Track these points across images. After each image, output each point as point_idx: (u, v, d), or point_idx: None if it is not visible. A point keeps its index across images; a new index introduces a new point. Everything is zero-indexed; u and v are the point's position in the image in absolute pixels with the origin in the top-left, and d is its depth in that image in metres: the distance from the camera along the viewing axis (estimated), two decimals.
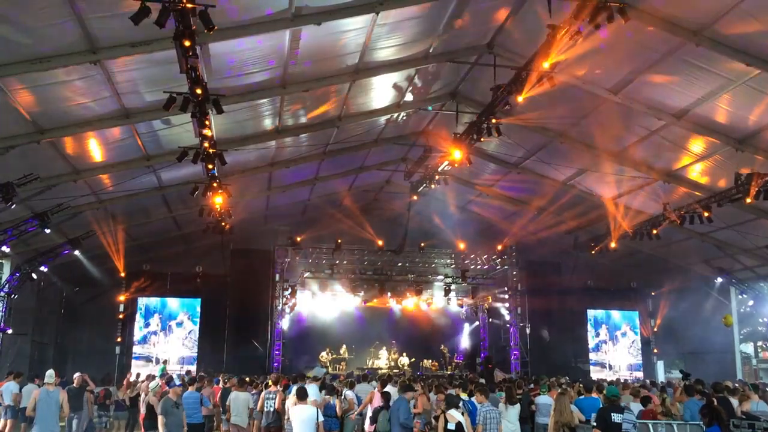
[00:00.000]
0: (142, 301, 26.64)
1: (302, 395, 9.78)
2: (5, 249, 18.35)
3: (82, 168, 16.72)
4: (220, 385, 16.02)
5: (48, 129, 13.97)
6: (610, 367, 29.69)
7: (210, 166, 15.62)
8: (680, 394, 12.45)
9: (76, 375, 13.80)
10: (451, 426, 9.05)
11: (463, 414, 9.44)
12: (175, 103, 12.25)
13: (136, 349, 26.08)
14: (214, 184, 17.01)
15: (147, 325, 26.63)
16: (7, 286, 20.80)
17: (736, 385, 16.82)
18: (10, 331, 21.18)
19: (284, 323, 27.22)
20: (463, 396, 11.64)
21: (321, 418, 9.62)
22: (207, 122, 13.20)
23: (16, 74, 11.79)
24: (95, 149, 16.20)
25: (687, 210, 18.96)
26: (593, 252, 24.50)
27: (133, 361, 25.55)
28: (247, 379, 15.62)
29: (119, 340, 25.54)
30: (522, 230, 26.65)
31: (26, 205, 17.05)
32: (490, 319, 31.95)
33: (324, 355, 28.58)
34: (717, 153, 17.32)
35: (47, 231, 17.95)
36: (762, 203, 17.13)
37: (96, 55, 11.64)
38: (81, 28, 10.93)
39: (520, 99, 13.91)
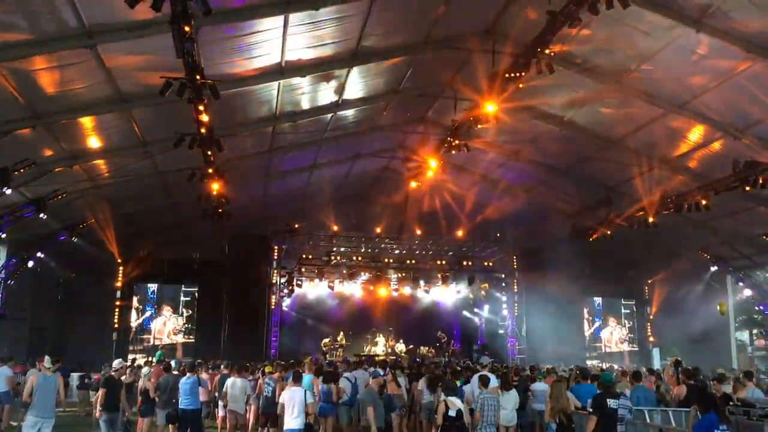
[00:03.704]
0: (140, 288, 26.65)
1: (297, 378, 10.23)
2: (1, 235, 18.30)
3: (78, 154, 16.62)
4: (218, 372, 16.07)
5: (44, 114, 13.86)
6: (607, 354, 29.83)
7: (207, 152, 15.55)
8: (670, 377, 12.61)
9: (118, 363, 12.06)
10: (452, 413, 9.02)
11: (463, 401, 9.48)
12: (171, 89, 12.16)
13: (134, 336, 26.14)
14: (211, 170, 16.96)
15: (145, 311, 26.67)
16: (3, 271, 20.75)
17: (721, 371, 16.83)
18: (7, 317, 21.15)
19: (281, 310, 27.25)
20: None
21: (310, 399, 9.76)
22: (204, 108, 13.11)
23: (11, 59, 11.68)
24: (91, 135, 16.09)
25: (684, 198, 18.96)
26: (590, 239, 24.54)
27: (131, 347, 25.62)
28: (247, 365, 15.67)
29: (116, 326, 25.56)
30: (520, 217, 26.61)
31: (23, 190, 16.96)
32: (487, 306, 32.02)
33: (327, 342, 28.67)
34: (715, 141, 17.31)
35: (44, 216, 17.88)
36: (759, 191, 17.12)
37: (92, 39, 11.54)
38: (77, 12, 10.82)
39: (520, 86, 13.89)
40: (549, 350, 25.86)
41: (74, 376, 19.42)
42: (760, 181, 15.92)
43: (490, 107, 15.30)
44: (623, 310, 30.98)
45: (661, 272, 28.51)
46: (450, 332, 31.91)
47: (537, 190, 24.63)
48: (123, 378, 12.57)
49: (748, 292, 26.62)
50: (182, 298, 27.17)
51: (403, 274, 30.39)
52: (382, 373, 12.00)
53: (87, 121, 15.27)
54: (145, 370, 13.72)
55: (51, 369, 10.38)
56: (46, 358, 10.62)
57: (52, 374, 10.31)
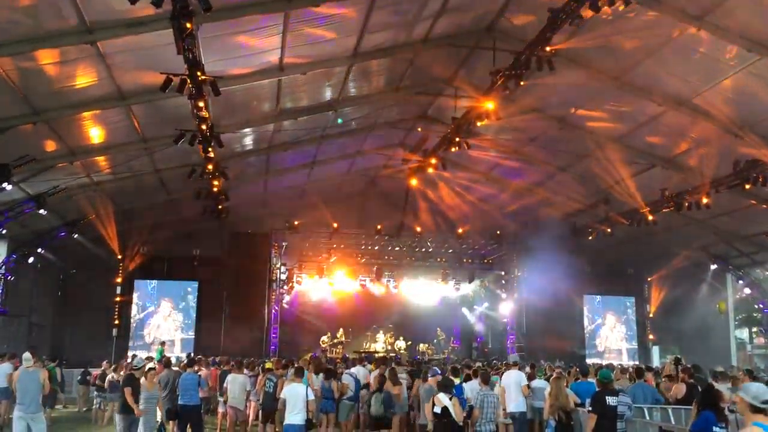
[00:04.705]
0: (140, 284, 26.66)
1: (299, 374, 10.26)
2: (2, 231, 18.29)
3: (78, 150, 16.59)
4: (218, 367, 16.11)
5: (43, 110, 13.83)
6: (606, 352, 29.85)
7: (207, 149, 15.54)
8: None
9: (139, 360, 11.29)
10: (437, 410, 9.14)
11: (451, 398, 9.51)
12: (171, 85, 12.15)
13: (134, 332, 26.16)
14: (211, 167, 16.95)
15: (145, 307, 26.67)
16: (3, 267, 20.73)
17: (731, 370, 16.91)
18: (6, 313, 21.15)
19: (281, 306, 27.28)
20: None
21: (311, 396, 9.78)
22: (204, 104, 13.10)
23: (11, 54, 11.66)
24: (91, 131, 16.08)
25: (684, 196, 18.96)
26: (590, 237, 24.55)
27: (131, 343, 25.66)
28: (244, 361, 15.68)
29: (116, 322, 25.57)
30: (519, 215, 26.64)
31: (23, 185, 16.94)
32: (487, 304, 32.04)
33: (325, 339, 28.68)
34: (715, 139, 17.27)
35: (44, 212, 17.85)
36: (760, 190, 17.13)
37: (92, 35, 11.50)
38: (77, 8, 10.80)
39: (522, 83, 13.89)
40: (548, 347, 25.88)
41: (75, 372, 19.46)
42: (761, 180, 15.94)
43: (491, 105, 15.31)
44: (623, 308, 30.94)
45: (661, 270, 28.50)
46: (450, 329, 31.93)
47: (537, 188, 24.62)
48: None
49: (747, 291, 26.64)
50: (182, 295, 27.16)
51: (403, 272, 30.41)
52: (440, 371, 11.99)
53: (87, 117, 15.24)
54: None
55: (32, 365, 10.36)
56: (25, 354, 10.64)
57: (34, 369, 10.32)
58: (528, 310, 28.16)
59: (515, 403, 11.60)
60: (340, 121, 19.37)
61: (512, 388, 11.67)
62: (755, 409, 4.57)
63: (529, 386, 13.06)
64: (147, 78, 13.47)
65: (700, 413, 7.24)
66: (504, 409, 11.62)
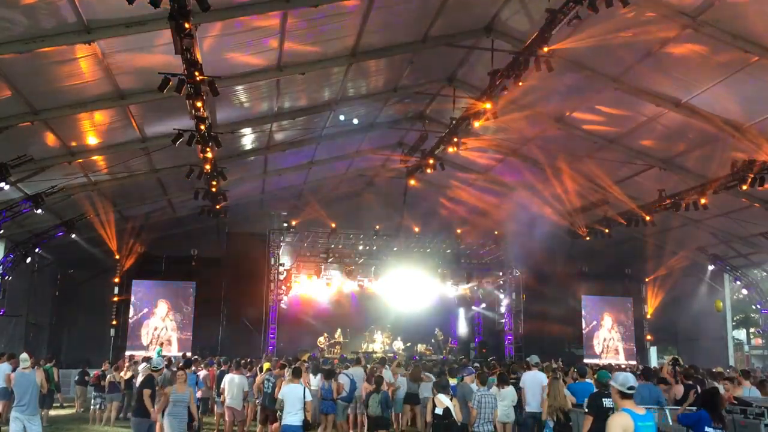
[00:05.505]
0: (137, 284, 26.59)
1: (297, 374, 10.30)
2: None
3: (76, 150, 16.57)
4: (215, 368, 16.10)
5: (42, 110, 13.81)
6: (603, 353, 29.88)
7: (206, 149, 15.53)
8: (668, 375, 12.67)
9: (158, 362, 10.97)
10: (439, 411, 9.14)
11: (452, 399, 9.52)
12: (170, 85, 12.13)
13: (131, 332, 26.11)
14: (209, 167, 16.94)
15: (142, 307, 26.61)
16: (1, 267, 20.71)
17: (728, 371, 16.95)
18: (4, 313, 21.12)
19: (279, 307, 27.23)
20: (451, 381, 11.85)
21: (309, 398, 9.78)
22: (202, 104, 13.08)
23: (9, 54, 11.64)
24: (89, 131, 16.05)
25: (682, 196, 18.99)
26: (588, 238, 24.57)
27: (128, 343, 25.60)
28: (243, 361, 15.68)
29: (114, 322, 25.53)
30: (518, 215, 26.62)
31: (20, 185, 16.90)
32: (485, 304, 32.04)
33: (321, 340, 28.65)
34: (713, 140, 17.31)
35: (41, 212, 17.83)
36: (756, 191, 17.15)
37: (90, 35, 11.47)
38: (75, 8, 10.78)
39: (520, 83, 13.90)
40: (546, 348, 25.88)
41: (73, 372, 19.44)
42: (758, 180, 15.97)
43: (489, 105, 15.33)
44: (620, 308, 30.96)
45: (659, 271, 28.56)
46: (448, 330, 31.90)
47: (535, 188, 24.63)
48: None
49: (744, 291, 26.70)
50: (180, 295, 27.10)
51: (401, 272, 30.36)
52: (474, 370, 11.97)
53: (85, 117, 15.22)
54: (143, 365, 13.73)
55: (28, 366, 10.35)
56: (23, 355, 10.64)
57: (30, 370, 10.30)
58: (526, 310, 28.15)
59: (537, 403, 11.62)
60: (342, 118, 19.37)
61: (534, 389, 11.68)
62: (623, 396, 5.09)
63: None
64: (145, 77, 13.44)
65: (697, 411, 7.28)
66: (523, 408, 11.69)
